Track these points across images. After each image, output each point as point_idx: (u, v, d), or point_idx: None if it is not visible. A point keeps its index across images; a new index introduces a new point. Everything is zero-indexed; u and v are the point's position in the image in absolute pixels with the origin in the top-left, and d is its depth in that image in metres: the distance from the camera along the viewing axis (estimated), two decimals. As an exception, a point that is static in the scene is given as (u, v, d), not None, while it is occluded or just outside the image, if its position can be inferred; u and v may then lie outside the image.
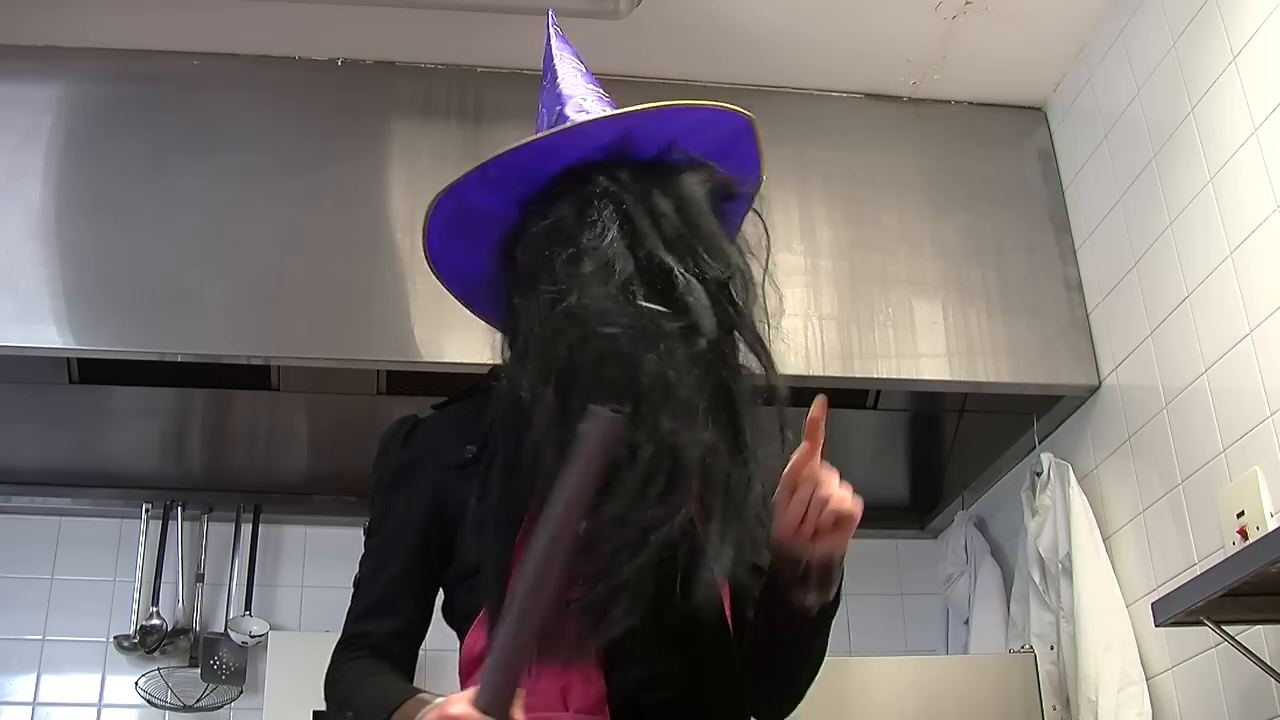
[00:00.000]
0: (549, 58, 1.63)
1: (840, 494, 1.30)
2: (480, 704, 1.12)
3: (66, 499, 3.30)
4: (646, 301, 1.30)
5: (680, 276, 1.32)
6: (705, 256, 1.35)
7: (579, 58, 1.63)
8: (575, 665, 1.26)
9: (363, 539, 1.50)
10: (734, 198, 1.46)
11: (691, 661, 1.29)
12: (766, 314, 1.41)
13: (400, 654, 1.42)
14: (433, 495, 1.41)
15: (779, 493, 1.31)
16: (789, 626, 1.35)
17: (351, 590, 1.47)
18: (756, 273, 1.42)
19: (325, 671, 1.41)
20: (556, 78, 1.57)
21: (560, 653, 1.23)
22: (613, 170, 1.41)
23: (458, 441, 1.42)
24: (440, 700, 1.19)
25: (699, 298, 1.32)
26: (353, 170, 2.84)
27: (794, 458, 1.31)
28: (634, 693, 1.26)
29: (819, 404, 1.35)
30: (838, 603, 1.36)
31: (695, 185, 1.41)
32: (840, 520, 1.28)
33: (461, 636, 1.40)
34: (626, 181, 1.40)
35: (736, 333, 1.38)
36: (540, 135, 1.44)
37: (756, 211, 1.51)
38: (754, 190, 1.51)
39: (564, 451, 1.19)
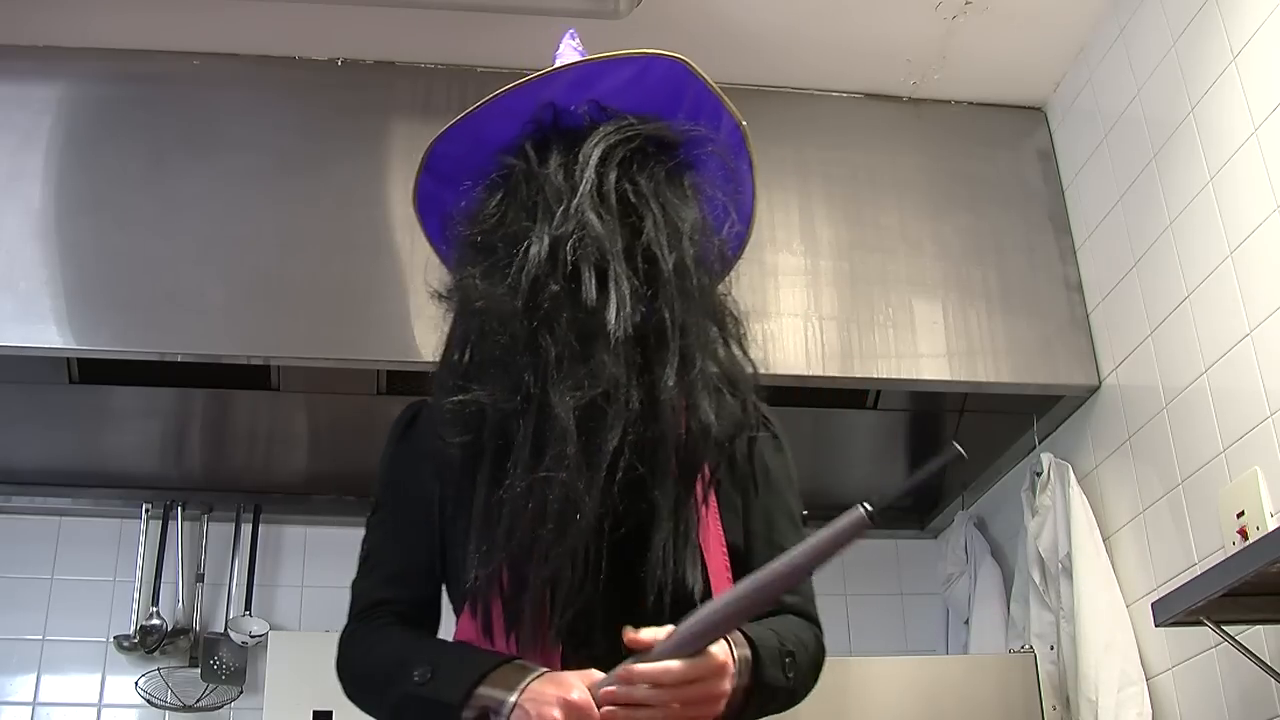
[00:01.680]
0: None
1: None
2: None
3: (66, 499, 3.30)
4: (528, 275, 1.32)
5: (544, 242, 1.33)
6: (584, 211, 1.34)
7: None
8: (533, 643, 1.26)
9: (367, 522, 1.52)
10: (669, 144, 1.44)
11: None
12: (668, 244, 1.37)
13: (428, 624, 1.43)
14: (433, 479, 1.42)
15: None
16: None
17: (359, 566, 1.47)
18: (682, 215, 1.40)
19: (340, 644, 1.40)
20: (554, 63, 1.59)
21: (519, 631, 1.25)
22: (531, 144, 1.44)
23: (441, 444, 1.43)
24: (554, 674, 1.22)
25: (565, 257, 1.32)
26: (353, 170, 2.84)
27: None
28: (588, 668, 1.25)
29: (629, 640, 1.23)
30: (771, 684, 1.30)
31: (595, 140, 1.40)
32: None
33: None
34: (528, 154, 1.43)
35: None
36: (457, 119, 1.50)
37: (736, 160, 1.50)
38: (708, 132, 1.48)
39: (468, 440, 1.29)
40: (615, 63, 1.46)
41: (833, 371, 2.81)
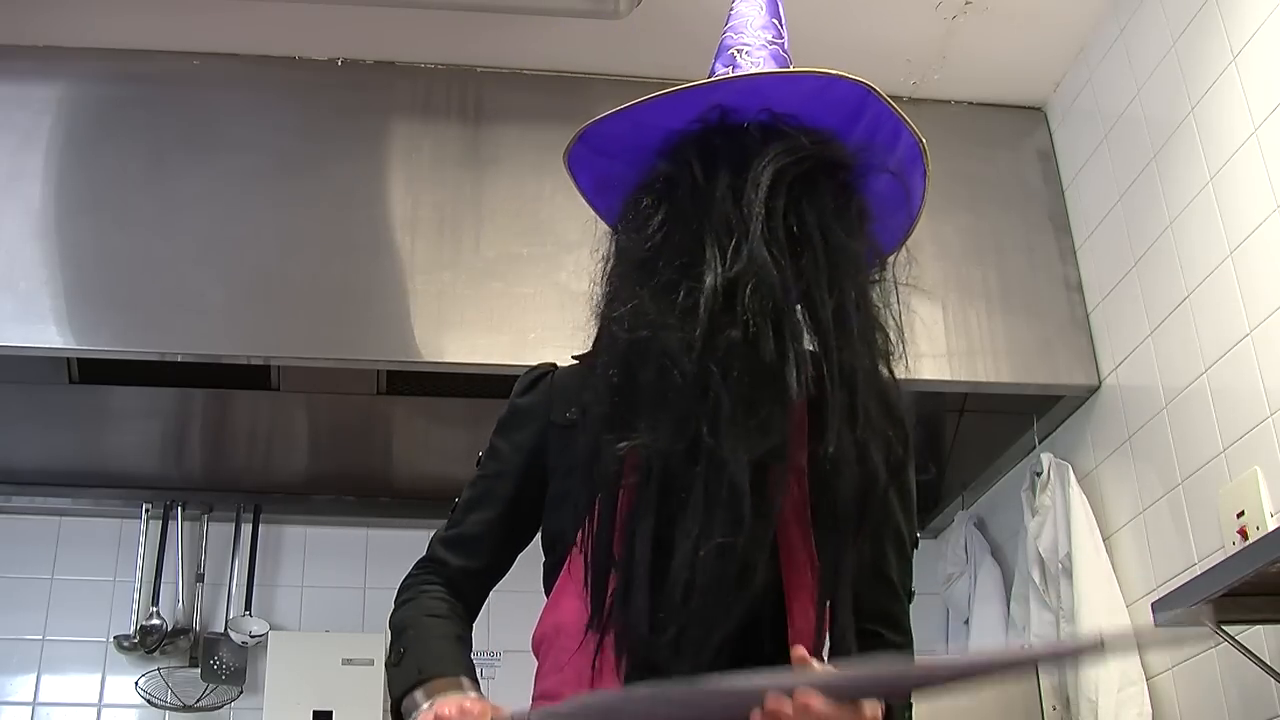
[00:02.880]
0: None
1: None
2: None
3: (66, 499, 3.30)
4: (686, 293, 1.25)
5: (704, 272, 1.26)
6: (759, 252, 1.26)
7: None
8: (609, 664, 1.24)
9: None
10: (840, 165, 1.37)
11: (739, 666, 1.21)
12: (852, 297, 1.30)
13: (470, 592, 1.44)
14: (536, 446, 1.41)
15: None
16: None
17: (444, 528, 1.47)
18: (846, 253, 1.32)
19: (401, 581, 1.44)
20: (729, 20, 1.52)
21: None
22: (696, 151, 1.36)
23: (571, 400, 1.39)
24: (464, 697, 1.24)
25: (718, 294, 1.25)
26: (353, 170, 2.84)
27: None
28: None
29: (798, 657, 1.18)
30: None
31: (765, 162, 1.32)
32: None
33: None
34: (693, 165, 1.34)
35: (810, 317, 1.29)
36: (618, 109, 1.39)
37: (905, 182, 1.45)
38: (896, 152, 1.42)
39: (612, 458, 1.23)
40: (796, 78, 1.40)
41: (832, 371, 2.81)
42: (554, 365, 1.48)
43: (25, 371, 2.84)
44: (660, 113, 1.38)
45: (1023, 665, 1.13)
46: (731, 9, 1.55)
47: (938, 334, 2.87)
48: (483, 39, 2.91)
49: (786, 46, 1.53)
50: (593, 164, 1.47)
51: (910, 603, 1.40)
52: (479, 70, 3.00)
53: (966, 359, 2.87)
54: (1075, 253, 2.99)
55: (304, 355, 2.70)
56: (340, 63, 2.98)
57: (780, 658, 1.18)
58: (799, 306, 1.29)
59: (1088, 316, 2.92)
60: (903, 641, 1.37)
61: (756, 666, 1.15)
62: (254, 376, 2.90)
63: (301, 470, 3.38)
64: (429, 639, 1.36)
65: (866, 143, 1.41)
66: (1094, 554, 2.67)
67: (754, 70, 1.44)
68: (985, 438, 3.27)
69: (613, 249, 1.40)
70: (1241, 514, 2.22)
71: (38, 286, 2.62)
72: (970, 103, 3.17)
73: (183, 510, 3.34)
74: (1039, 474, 2.91)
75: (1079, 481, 2.80)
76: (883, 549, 1.37)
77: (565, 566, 1.33)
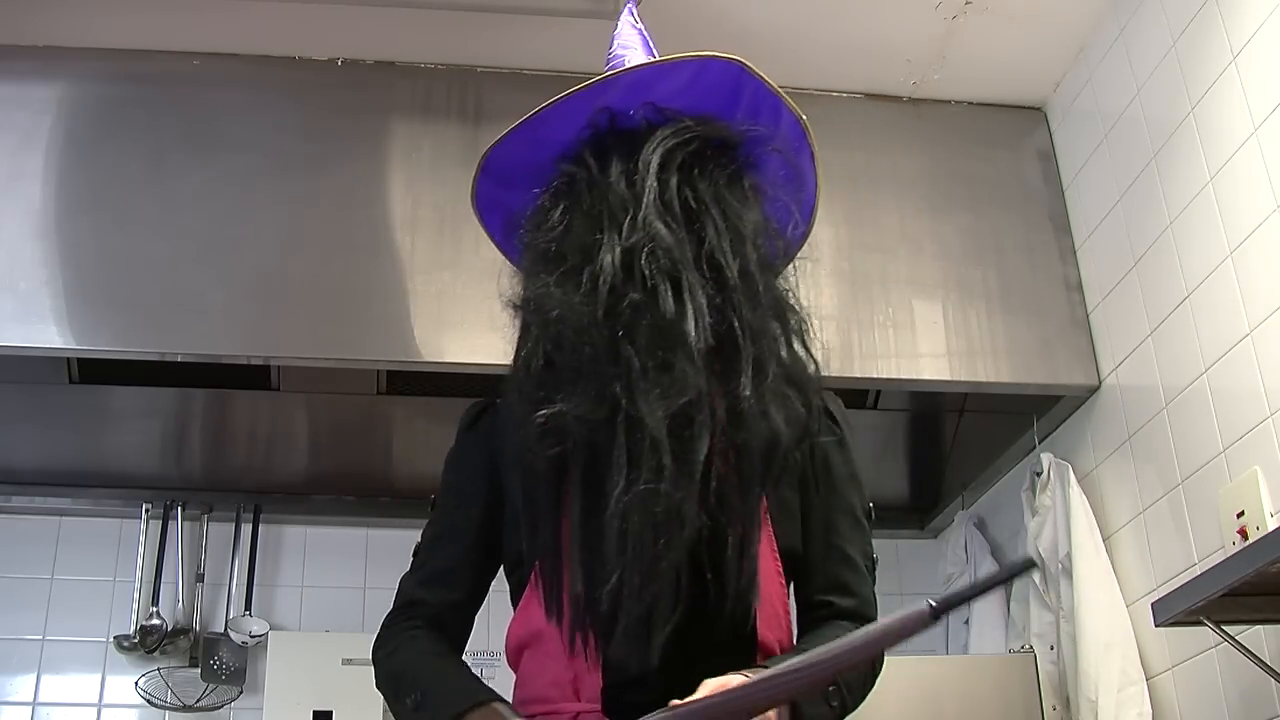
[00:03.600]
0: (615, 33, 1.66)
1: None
2: None
3: (66, 499, 3.30)
4: (604, 284, 1.31)
5: (618, 247, 1.33)
6: (652, 221, 1.34)
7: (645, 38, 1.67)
8: (580, 656, 1.27)
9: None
10: (727, 144, 1.44)
11: (695, 660, 1.25)
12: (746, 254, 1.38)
13: (456, 626, 1.45)
14: (491, 477, 1.44)
15: None
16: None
17: (411, 559, 1.49)
18: (745, 218, 1.40)
19: (376, 638, 1.43)
20: (608, 63, 1.60)
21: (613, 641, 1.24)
22: (590, 150, 1.43)
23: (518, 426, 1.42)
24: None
25: (643, 267, 1.31)
26: (353, 170, 2.84)
27: None
28: (623, 689, 1.26)
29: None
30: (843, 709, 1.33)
31: (654, 146, 1.39)
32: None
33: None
34: (588, 162, 1.42)
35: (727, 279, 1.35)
36: (514, 125, 1.47)
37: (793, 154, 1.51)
38: (779, 131, 1.49)
39: (557, 452, 1.27)
40: (672, 65, 1.46)
41: (833, 371, 2.77)
42: (494, 399, 1.50)
43: (25, 371, 2.84)
44: (552, 124, 1.45)
45: (897, 633, 1.13)
46: (608, 57, 1.63)
47: (938, 334, 2.88)
48: (483, 39, 2.92)
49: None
50: (499, 200, 1.54)
51: (874, 570, 1.48)
52: (479, 70, 3.00)
53: (966, 359, 2.87)
54: (1075, 253, 2.99)
55: (304, 355, 2.70)
56: (340, 63, 2.98)
57: (727, 603, 1.25)
58: (702, 270, 1.35)
59: (1088, 316, 2.92)
60: (854, 606, 1.42)
61: (705, 611, 1.25)
62: (254, 376, 2.90)
63: (301, 470, 3.38)
64: (443, 674, 1.36)
65: (750, 122, 1.48)
66: (1094, 554, 2.68)
67: (630, 66, 1.51)
68: (985, 438, 3.27)
69: (521, 248, 1.46)
70: (1241, 514, 2.22)
71: (38, 286, 2.62)
72: (970, 103, 3.17)
73: (183, 510, 3.34)
74: (1039, 474, 2.92)
75: (1079, 481, 2.80)
76: (832, 519, 1.43)
77: (530, 580, 1.35)
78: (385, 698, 1.40)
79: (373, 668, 1.42)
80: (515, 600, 1.41)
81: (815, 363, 1.44)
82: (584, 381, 1.29)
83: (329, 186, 2.81)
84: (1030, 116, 3.17)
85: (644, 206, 1.35)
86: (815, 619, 1.40)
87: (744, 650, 1.30)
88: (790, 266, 1.51)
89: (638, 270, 1.31)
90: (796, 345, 1.42)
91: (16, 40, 2.86)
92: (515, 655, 1.38)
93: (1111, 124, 2.83)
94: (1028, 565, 1.18)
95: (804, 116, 1.52)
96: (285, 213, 2.77)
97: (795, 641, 1.38)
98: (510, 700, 1.34)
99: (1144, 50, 2.70)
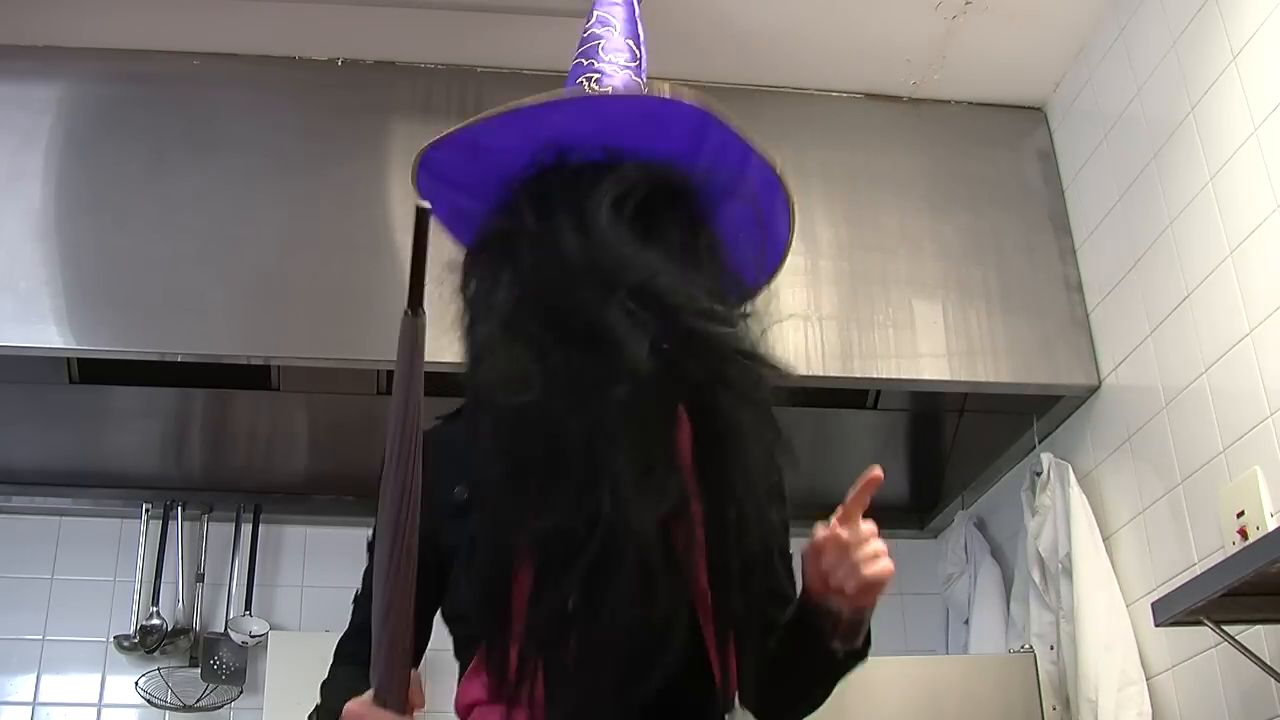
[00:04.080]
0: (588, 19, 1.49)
1: (872, 556, 1.21)
2: (376, 699, 1.16)
3: (66, 499, 3.30)
4: (556, 349, 1.17)
5: (578, 310, 1.18)
6: (613, 276, 1.19)
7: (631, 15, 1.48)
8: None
9: (365, 545, 1.44)
10: (682, 194, 1.30)
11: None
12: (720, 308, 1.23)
13: None
14: (427, 528, 1.26)
15: (808, 551, 1.23)
16: (810, 668, 1.30)
17: (352, 602, 1.45)
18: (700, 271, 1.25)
19: (322, 684, 1.38)
20: (580, 44, 1.45)
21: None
22: (528, 192, 1.29)
23: (453, 474, 1.29)
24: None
25: (613, 328, 1.16)
26: (353, 170, 2.84)
27: (834, 520, 1.22)
28: None
29: (873, 478, 1.22)
30: (866, 653, 1.31)
31: (600, 194, 1.24)
32: (871, 584, 1.21)
33: (460, 671, 1.34)
34: (527, 215, 1.27)
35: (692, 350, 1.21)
36: (454, 129, 1.34)
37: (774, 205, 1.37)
38: (746, 183, 1.33)
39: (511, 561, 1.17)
40: (631, 100, 1.33)
41: (833, 371, 2.81)
42: (430, 434, 1.33)
43: (25, 371, 2.84)
44: (494, 136, 1.31)
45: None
46: (584, 30, 1.46)
47: (938, 334, 2.88)
48: (483, 39, 2.92)
49: (644, 67, 1.43)
50: (443, 197, 1.38)
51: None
52: (479, 70, 3.00)
53: (966, 359, 2.87)
54: (1075, 253, 2.99)
55: (304, 355, 2.70)
56: (340, 63, 2.98)
57: (697, 699, 1.19)
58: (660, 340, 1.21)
59: (1088, 316, 2.92)
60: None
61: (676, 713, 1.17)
62: (254, 376, 2.90)
63: (301, 470, 3.38)
64: (335, 684, 1.32)
65: (712, 168, 1.31)
66: (1094, 554, 2.67)
67: (587, 94, 1.35)
68: (985, 438, 3.27)
69: (469, 305, 1.31)
70: (1241, 514, 2.22)
71: (38, 286, 2.62)
72: (970, 103, 3.17)
73: (183, 510, 3.33)
74: (1039, 474, 2.91)
75: (1079, 481, 2.80)
76: (773, 567, 1.35)
77: (478, 651, 1.27)
78: None
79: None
80: (461, 656, 1.32)
81: (784, 436, 1.29)
82: (560, 485, 1.15)
83: (329, 186, 2.81)
84: (1030, 116, 3.17)
85: (594, 270, 1.20)
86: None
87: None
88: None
89: (617, 344, 1.17)
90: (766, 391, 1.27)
91: (16, 40, 2.86)
92: (464, 713, 1.29)
93: (1111, 124, 2.83)
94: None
95: (777, 161, 1.35)
96: (285, 213, 2.77)
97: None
98: None
99: (1144, 50, 2.70)
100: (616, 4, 1.47)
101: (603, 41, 1.42)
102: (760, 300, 1.35)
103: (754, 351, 1.26)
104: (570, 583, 1.14)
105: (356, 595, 1.42)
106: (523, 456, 1.19)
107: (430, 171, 1.39)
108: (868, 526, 1.22)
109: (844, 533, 1.21)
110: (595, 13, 1.47)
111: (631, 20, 1.47)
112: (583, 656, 1.15)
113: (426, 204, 1.03)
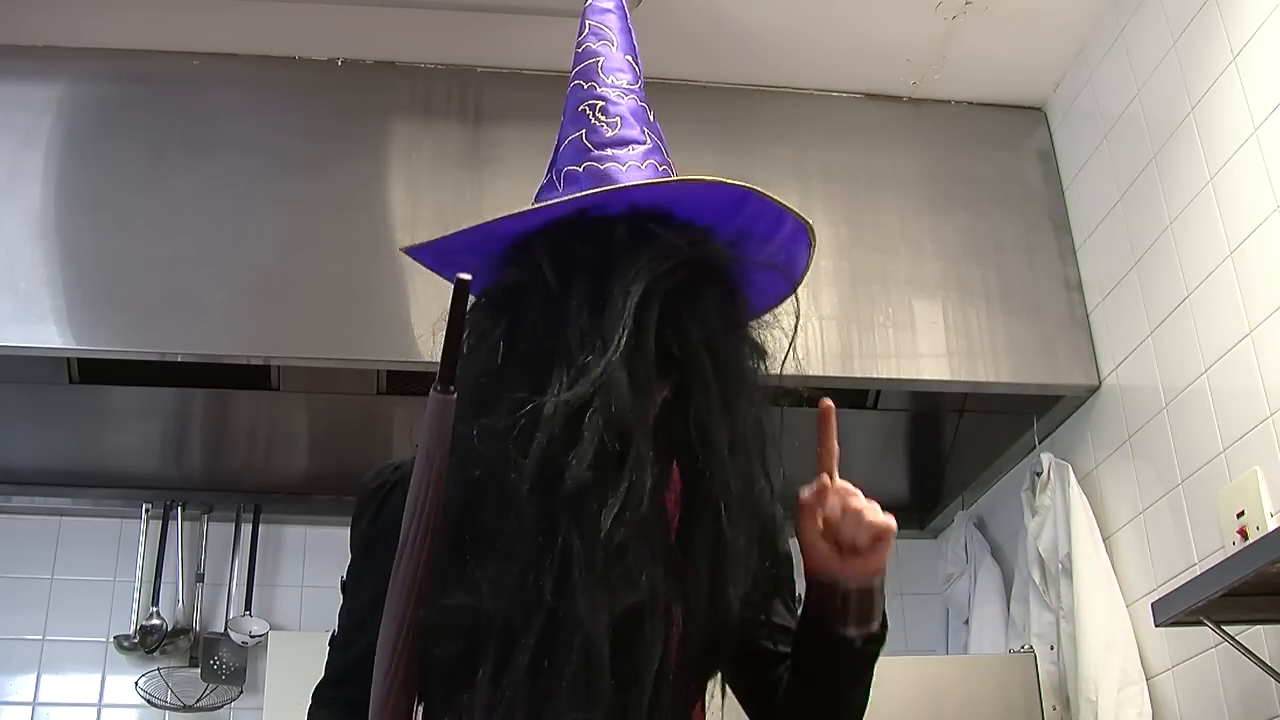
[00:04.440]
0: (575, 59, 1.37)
1: (871, 506, 1.13)
2: None
3: (66, 499, 3.30)
4: (539, 443, 1.07)
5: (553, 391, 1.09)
6: (603, 361, 1.09)
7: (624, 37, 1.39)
8: None
9: (339, 584, 1.36)
10: (719, 266, 1.21)
11: None
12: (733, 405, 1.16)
13: None
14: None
15: (803, 517, 1.15)
16: (832, 666, 1.20)
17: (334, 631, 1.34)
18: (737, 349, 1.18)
19: (308, 710, 1.28)
20: (576, 63, 1.35)
21: None
22: (549, 255, 1.17)
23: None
24: None
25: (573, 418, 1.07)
26: (353, 170, 2.84)
27: (817, 480, 1.14)
28: None
29: (825, 408, 1.18)
30: (883, 637, 1.20)
31: (637, 272, 1.13)
32: (876, 537, 1.12)
33: None
34: (546, 274, 1.16)
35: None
36: (470, 228, 1.23)
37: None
38: (776, 240, 1.25)
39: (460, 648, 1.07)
40: (675, 186, 1.20)
41: (833, 371, 2.81)
42: (396, 468, 1.31)
43: (25, 371, 2.84)
44: (516, 224, 1.21)
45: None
46: (578, 44, 1.36)
47: (938, 334, 2.88)
48: (483, 39, 2.92)
49: (643, 88, 1.34)
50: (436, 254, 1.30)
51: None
52: (479, 70, 3.00)
53: (966, 359, 2.87)
54: (1075, 253, 2.99)
55: (304, 355, 2.70)
56: (340, 63, 2.98)
57: None
58: (687, 436, 1.14)
59: (1088, 316, 2.92)
60: None
61: None
62: (254, 376, 2.90)
63: (301, 470, 3.38)
64: None
65: (744, 233, 1.23)
66: (1094, 554, 2.67)
67: (620, 163, 1.23)
68: (985, 438, 3.27)
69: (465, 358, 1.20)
70: (1241, 514, 2.22)
71: (38, 286, 2.62)
72: (970, 103, 3.17)
73: (183, 510, 3.34)
74: (1039, 474, 2.91)
75: (1079, 481, 2.80)
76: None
77: None
78: None
79: None
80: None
81: (779, 509, 1.23)
82: (505, 564, 1.06)
83: (329, 186, 2.81)
84: (1030, 116, 3.17)
85: (608, 354, 1.09)
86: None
87: None
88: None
89: (579, 431, 1.07)
90: (770, 496, 1.20)
91: (16, 40, 2.86)
92: None
93: (1111, 124, 2.83)
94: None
95: (810, 222, 1.26)
96: (285, 213, 2.77)
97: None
98: None
99: (1144, 50, 2.70)
100: (609, 11, 1.39)
101: (601, 60, 1.32)
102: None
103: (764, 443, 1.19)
104: (508, 680, 1.04)
105: (333, 638, 1.29)
106: (477, 529, 1.10)
107: (439, 250, 1.28)
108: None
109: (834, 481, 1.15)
110: (587, 23, 1.37)
111: (626, 31, 1.39)
112: None
113: (468, 275, 1.00)
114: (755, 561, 1.16)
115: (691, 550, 1.12)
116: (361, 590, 1.27)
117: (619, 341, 1.09)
